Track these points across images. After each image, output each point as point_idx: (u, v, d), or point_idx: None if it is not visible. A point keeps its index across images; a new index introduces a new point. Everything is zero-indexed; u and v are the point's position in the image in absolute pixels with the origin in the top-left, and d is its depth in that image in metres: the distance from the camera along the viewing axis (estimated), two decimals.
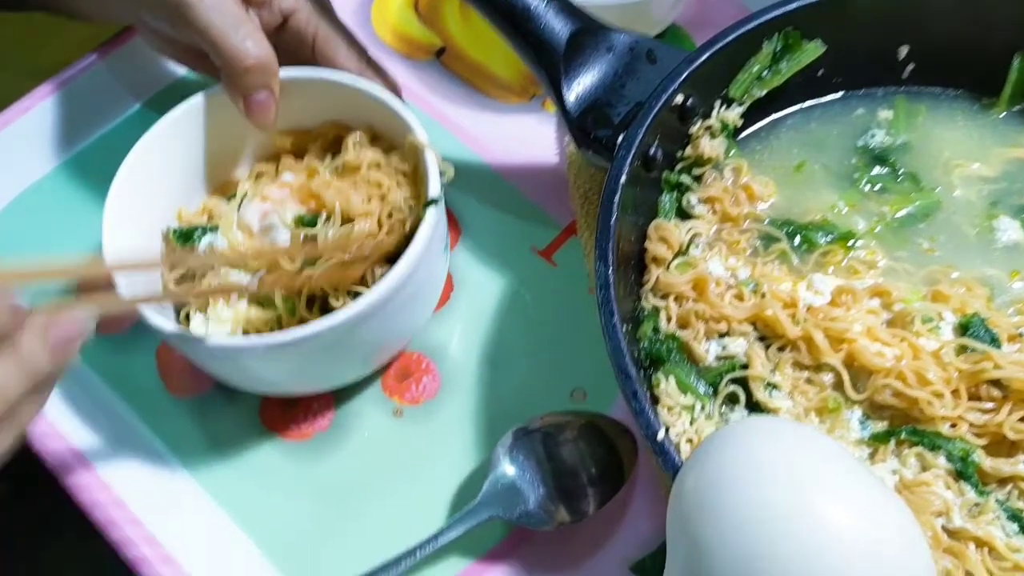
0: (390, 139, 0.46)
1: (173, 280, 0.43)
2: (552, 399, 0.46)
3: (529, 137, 0.54)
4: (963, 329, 0.41)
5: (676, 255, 0.45)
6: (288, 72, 0.45)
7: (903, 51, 0.49)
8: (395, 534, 0.41)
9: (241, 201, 0.45)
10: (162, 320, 0.39)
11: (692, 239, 0.45)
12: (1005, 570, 0.36)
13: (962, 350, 0.40)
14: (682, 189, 0.47)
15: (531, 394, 0.46)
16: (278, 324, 0.42)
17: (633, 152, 0.42)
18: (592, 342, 0.48)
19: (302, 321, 0.41)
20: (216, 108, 0.45)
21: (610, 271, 0.39)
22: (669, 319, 0.43)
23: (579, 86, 0.45)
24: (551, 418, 0.44)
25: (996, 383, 0.39)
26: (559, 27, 0.44)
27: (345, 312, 0.39)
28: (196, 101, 0.45)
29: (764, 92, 0.48)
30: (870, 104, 0.50)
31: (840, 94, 0.50)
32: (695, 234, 0.46)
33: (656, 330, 0.43)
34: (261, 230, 0.43)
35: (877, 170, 0.48)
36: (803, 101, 0.50)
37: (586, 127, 0.44)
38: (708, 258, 0.45)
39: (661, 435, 0.36)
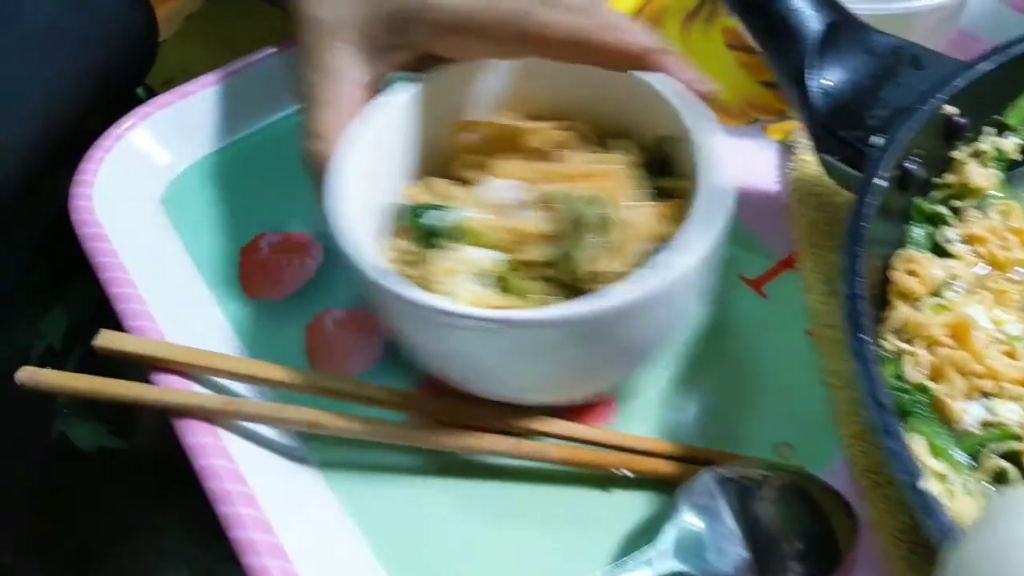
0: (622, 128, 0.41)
1: (399, 259, 0.38)
2: (748, 449, 0.38)
3: (746, 162, 0.48)
4: None
5: (930, 294, 0.37)
6: None
7: None
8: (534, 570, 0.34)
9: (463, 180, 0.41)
10: (400, 284, 0.34)
11: (950, 279, 0.37)
12: None
13: None
14: (937, 222, 0.39)
15: (723, 439, 0.38)
16: None
17: (894, 157, 0.35)
18: (805, 389, 0.40)
19: None
20: (439, 90, 0.41)
21: (860, 281, 0.32)
22: (917, 366, 0.35)
23: (828, 82, 0.38)
24: (742, 468, 0.36)
25: None
26: (813, 15, 0.39)
27: (621, 294, 0.32)
28: (422, 83, 0.41)
29: None
30: None
31: None
32: (953, 275, 0.37)
33: (899, 378, 0.35)
34: (508, 207, 0.38)
35: None
36: None
37: (833, 127, 0.37)
38: (967, 305, 0.37)
39: (924, 484, 0.27)
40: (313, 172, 0.38)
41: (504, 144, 0.41)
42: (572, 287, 0.36)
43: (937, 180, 0.39)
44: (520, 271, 0.37)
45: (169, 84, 0.59)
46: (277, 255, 0.46)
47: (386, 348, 0.42)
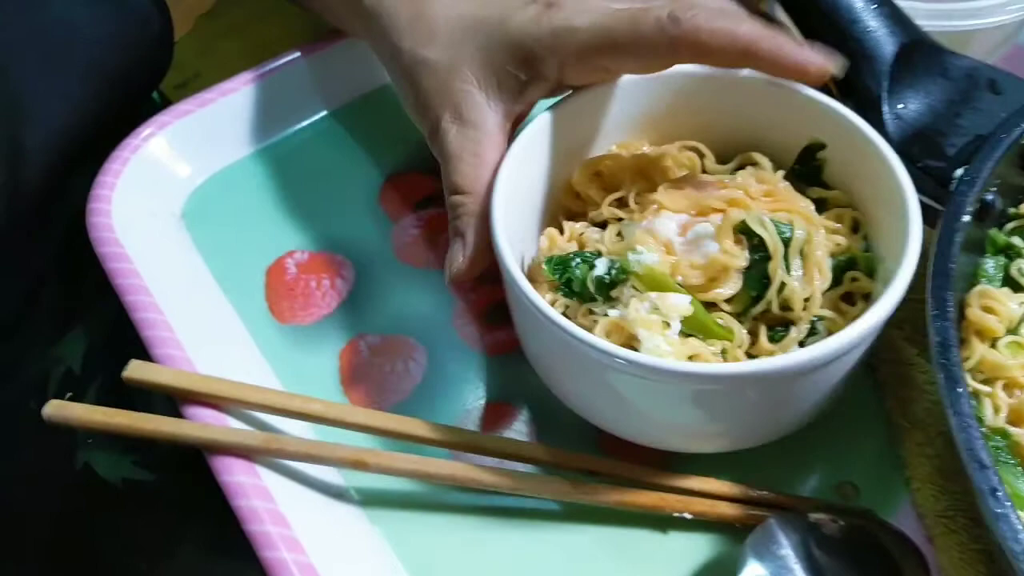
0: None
1: (560, 312, 0.34)
2: (809, 488, 0.37)
3: None
4: None
5: (1007, 331, 0.35)
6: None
7: None
8: None
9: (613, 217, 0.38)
10: (602, 341, 0.31)
11: None
12: None
13: None
14: (1011, 254, 0.37)
15: (783, 478, 0.37)
16: (725, 359, 0.34)
17: (977, 189, 0.33)
18: (868, 427, 0.38)
19: (753, 355, 0.34)
20: (558, 128, 0.38)
21: (951, 327, 0.30)
22: (997, 410, 0.33)
23: (904, 107, 0.36)
24: (807, 511, 0.35)
25: None
26: (887, 36, 0.37)
27: (834, 341, 0.30)
28: (548, 115, 0.38)
29: None
30: None
31: None
32: None
33: (979, 421, 0.33)
34: (686, 244, 0.35)
35: None
36: None
37: (912, 156, 0.35)
38: None
39: None
40: (458, 226, 0.36)
41: (635, 175, 0.39)
42: (762, 319, 0.34)
43: (1011, 210, 0.38)
44: (711, 310, 0.34)
45: (182, 88, 0.56)
46: (306, 276, 0.44)
47: (424, 376, 0.40)
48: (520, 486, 0.35)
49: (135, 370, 0.36)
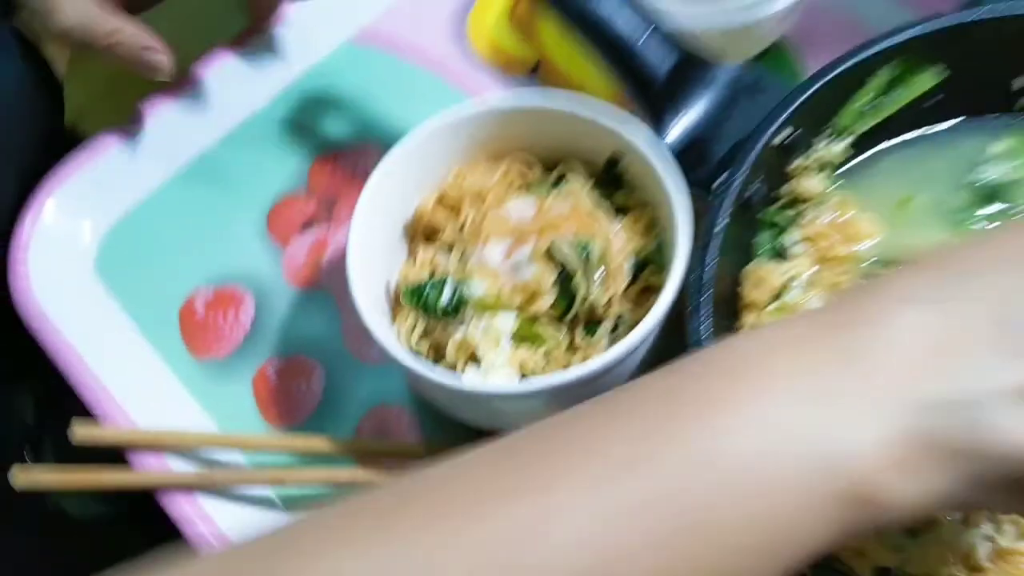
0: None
1: (415, 340, 0.43)
2: None
3: None
4: None
5: (772, 299, 0.44)
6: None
7: (1018, 83, 0.46)
8: None
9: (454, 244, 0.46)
10: (441, 374, 0.40)
11: (789, 282, 0.44)
12: None
13: None
14: (780, 228, 0.46)
15: None
16: (549, 358, 0.42)
17: (731, 199, 0.41)
18: None
19: (572, 348, 0.43)
20: (408, 161, 0.46)
21: (703, 325, 0.39)
22: None
23: (681, 121, 0.44)
24: None
25: None
26: (660, 59, 0.43)
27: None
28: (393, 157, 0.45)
29: (872, 124, 0.46)
30: (980, 137, 0.47)
31: (949, 124, 0.48)
32: (792, 276, 0.44)
33: None
34: (510, 268, 0.43)
35: (991, 208, 0.45)
36: (908, 131, 0.48)
37: (685, 166, 0.43)
38: (806, 302, 0.44)
39: None
40: (138, 41, 0.46)
41: (473, 199, 0.46)
42: (578, 320, 0.43)
43: (777, 193, 0.45)
44: (535, 322, 0.42)
45: (72, 129, 0.60)
46: (214, 312, 0.51)
47: (324, 391, 0.48)
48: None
49: (81, 432, 0.43)
